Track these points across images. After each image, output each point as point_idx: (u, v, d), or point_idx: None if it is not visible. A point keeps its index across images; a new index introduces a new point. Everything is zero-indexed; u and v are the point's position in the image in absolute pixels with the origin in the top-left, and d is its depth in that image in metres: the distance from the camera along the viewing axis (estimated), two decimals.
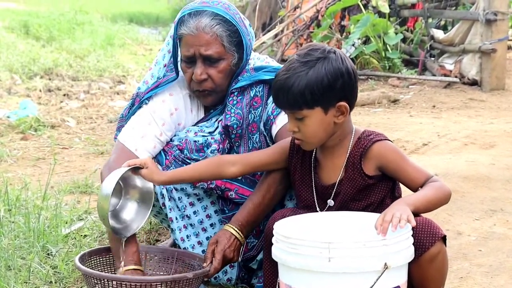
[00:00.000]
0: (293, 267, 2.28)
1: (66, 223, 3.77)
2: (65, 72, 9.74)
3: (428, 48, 8.95)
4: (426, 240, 2.39)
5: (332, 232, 2.51)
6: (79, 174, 4.92)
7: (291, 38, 10.02)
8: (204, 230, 3.06)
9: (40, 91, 8.45)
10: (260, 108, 3.00)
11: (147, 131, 2.99)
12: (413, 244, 2.35)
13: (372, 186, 2.58)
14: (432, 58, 8.93)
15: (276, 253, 2.35)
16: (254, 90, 3.00)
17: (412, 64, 9.13)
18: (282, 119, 2.94)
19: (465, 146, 5.44)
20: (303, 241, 2.28)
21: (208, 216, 3.06)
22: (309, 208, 2.66)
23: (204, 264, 2.75)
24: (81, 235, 3.58)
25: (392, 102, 7.37)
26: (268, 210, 2.86)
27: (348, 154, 2.57)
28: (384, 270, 2.24)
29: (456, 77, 8.12)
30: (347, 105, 2.51)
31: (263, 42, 10.27)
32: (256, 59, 3.09)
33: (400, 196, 2.62)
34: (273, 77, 2.94)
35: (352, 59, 9.24)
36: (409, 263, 2.36)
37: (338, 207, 2.61)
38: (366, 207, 2.59)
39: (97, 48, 12.43)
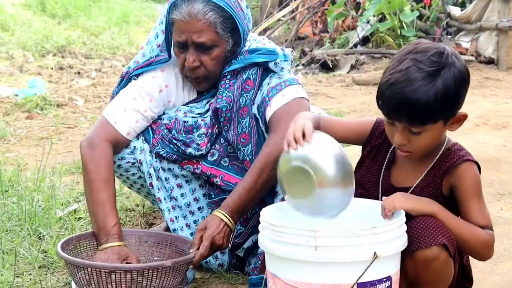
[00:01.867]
0: (278, 255, 2.17)
1: (62, 205, 3.68)
2: (78, 50, 9.65)
3: (445, 26, 8.74)
4: (423, 239, 2.21)
5: (322, 220, 2.39)
6: None
7: (305, 15, 9.85)
8: (192, 213, 2.97)
9: (52, 69, 8.36)
10: (252, 91, 2.86)
11: (131, 105, 2.89)
12: (410, 236, 2.21)
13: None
14: (449, 36, 8.73)
15: (262, 240, 2.24)
16: (247, 73, 2.86)
17: None
18: (277, 102, 2.81)
19: (477, 127, 5.29)
20: (288, 229, 2.17)
21: (196, 200, 2.96)
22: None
23: (191, 250, 2.65)
24: (76, 218, 3.50)
25: None
26: (259, 196, 2.75)
27: (433, 163, 2.33)
28: (374, 260, 2.12)
29: (472, 55, 7.94)
30: (465, 112, 2.25)
31: (279, 20, 10.11)
32: (253, 41, 2.95)
33: None
34: (267, 60, 2.83)
35: (367, 37, 9.08)
36: (404, 257, 2.23)
37: None
38: None
39: (112, 25, 12.31)
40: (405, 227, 2.22)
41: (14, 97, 6.54)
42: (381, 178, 2.43)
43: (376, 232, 2.14)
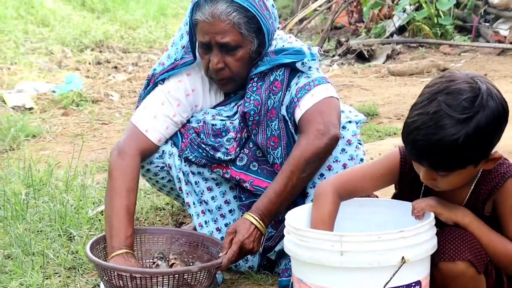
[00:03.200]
0: (304, 260, 2.11)
1: (94, 204, 3.66)
2: (116, 44, 9.66)
3: (482, 13, 8.53)
4: (448, 251, 2.11)
5: (350, 223, 2.32)
6: None
7: (341, 5, 9.71)
8: (223, 216, 2.90)
9: (90, 64, 8.38)
10: (280, 93, 2.77)
11: (160, 111, 2.83)
12: (438, 246, 2.12)
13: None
14: (487, 24, 8.53)
15: (288, 245, 2.18)
16: (274, 74, 2.77)
17: (465, 30, 8.73)
18: (306, 102, 2.71)
19: None
20: (314, 233, 2.10)
21: (227, 202, 2.90)
22: None
23: (220, 254, 2.59)
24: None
25: (442, 71, 7.03)
26: (290, 199, 2.67)
27: (472, 189, 2.18)
28: (402, 265, 2.04)
29: (510, 43, 7.73)
30: (501, 154, 2.08)
31: (315, 10, 9.99)
32: (279, 40, 2.86)
33: None
34: (294, 60, 2.74)
35: (403, 26, 8.91)
36: (431, 264, 2.14)
37: None
38: None
39: (150, 18, 12.32)
40: (434, 230, 2.14)
41: (51, 93, 6.55)
42: None
43: (404, 236, 2.06)
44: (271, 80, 2.77)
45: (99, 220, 3.40)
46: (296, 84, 2.76)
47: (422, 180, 2.13)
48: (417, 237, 2.08)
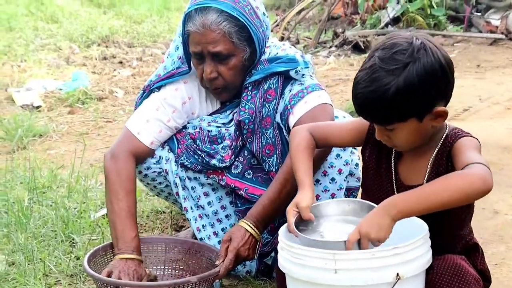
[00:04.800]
0: (297, 278, 1.99)
1: (97, 206, 3.55)
2: (121, 39, 9.52)
3: (474, 3, 8.38)
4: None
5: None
6: None
7: None
8: (219, 221, 2.81)
9: (96, 59, 8.25)
10: (274, 101, 2.66)
11: (153, 115, 2.73)
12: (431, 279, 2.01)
13: None
14: (479, 14, 8.37)
15: (281, 261, 2.06)
16: (268, 82, 2.66)
17: (458, 20, 8.58)
18: (300, 109, 2.61)
19: (508, 111, 5.01)
20: (307, 251, 1.98)
21: (223, 207, 2.80)
22: (381, 196, 2.17)
23: (217, 262, 2.50)
24: (108, 222, 3.34)
25: None
26: (285, 206, 2.52)
27: (435, 154, 2.10)
28: (397, 281, 1.93)
29: (502, 33, 7.58)
30: (445, 108, 2.01)
31: (313, 1, 9.83)
32: (273, 47, 2.74)
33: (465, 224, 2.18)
34: (288, 68, 2.63)
35: (397, 17, 8.76)
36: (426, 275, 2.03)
37: None
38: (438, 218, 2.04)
39: (154, 13, 12.17)
40: (428, 243, 2.02)
41: (58, 91, 6.43)
42: (393, 179, 2.18)
43: (398, 252, 1.94)
44: (265, 88, 2.66)
45: (102, 224, 3.30)
46: (290, 91, 2.65)
47: (377, 138, 2.10)
48: (412, 253, 1.96)
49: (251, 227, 2.53)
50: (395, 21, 8.86)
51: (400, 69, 1.93)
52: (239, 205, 2.75)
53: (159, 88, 2.76)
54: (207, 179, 2.76)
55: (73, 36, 9.55)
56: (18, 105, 6.02)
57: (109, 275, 2.43)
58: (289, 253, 2.02)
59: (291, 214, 2.08)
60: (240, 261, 2.52)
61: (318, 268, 1.94)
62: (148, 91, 2.79)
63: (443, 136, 2.10)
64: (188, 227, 3.26)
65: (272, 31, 8.31)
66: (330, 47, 8.71)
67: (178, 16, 12.52)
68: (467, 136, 2.09)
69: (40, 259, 2.95)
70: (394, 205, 1.92)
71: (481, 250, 2.23)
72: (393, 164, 2.19)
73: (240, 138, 2.70)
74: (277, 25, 9.40)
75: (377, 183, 2.23)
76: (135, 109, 2.88)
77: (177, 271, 2.74)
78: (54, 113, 5.77)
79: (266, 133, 2.67)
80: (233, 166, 2.73)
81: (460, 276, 2.03)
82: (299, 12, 9.62)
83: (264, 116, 2.67)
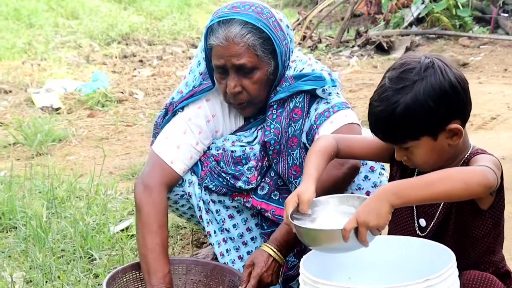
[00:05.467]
0: None
1: (116, 218, 3.49)
2: (142, 37, 9.47)
3: (501, 4, 8.21)
4: None
5: (374, 266, 2.11)
6: (138, 157, 4.64)
7: None
8: (245, 244, 2.72)
9: (116, 57, 8.20)
10: (301, 120, 2.57)
11: (182, 140, 2.63)
12: None
13: (480, 216, 2.04)
14: (506, 15, 8.20)
15: None
16: (294, 101, 2.56)
17: (484, 22, 8.42)
18: (325, 129, 2.51)
19: None
20: (331, 286, 1.89)
21: (249, 230, 2.71)
22: (401, 225, 2.19)
23: (240, 287, 2.42)
24: (128, 236, 3.28)
25: (462, 66, 6.76)
26: None
27: None
28: None
29: None
30: (459, 126, 1.98)
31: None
32: (298, 61, 2.64)
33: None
34: (315, 87, 2.55)
35: (422, 17, 8.62)
36: None
37: (434, 232, 2.12)
38: (461, 241, 2.06)
39: (174, 9, 12.11)
40: (456, 273, 1.93)
41: (78, 92, 6.37)
42: None
43: (430, 285, 1.85)
44: (291, 107, 2.57)
45: (121, 239, 3.24)
46: (315, 110, 2.56)
47: (397, 158, 2.09)
48: (442, 284, 1.87)
49: (274, 251, 2.44)
50: (419, 21, 8.72)
51: (408, 88, 1.94)
52: (265, 227, 2.66)
53: (182, 108, 2.68)
54: (232, 202, 2.67)
55: (93, 33, 9.51)
56: (38, 107, 5.99)
57: None
58: (312, 287, 1.93)
59: (290, 205, 2.00)
60: (263, 287, 2.44)
61: None
62: (171, 111, 2.70)
63: (465, 156, 2.06)
64: (209, 243, 3.19)
65: (294, 29, 8.20)
66: (353, 46, 8.59)
67: (198, 12, 12.47)
68: (487, 154, 2.05)
69: (59, 276, 2.89)
70: (393, 191, 1.87)
71: None
72: None
73: (266, 159, 2.61)
74: (299, 24, 9.30)
75: None
76: (155, 128, 2.79)
77: None
78: (74, 116, 5.72)
79: (293, 153, 2.58)
80: (259, 187, 2.63)
81: (489, 283, 1.95)
82: (321, 10, 9.51)
83: (290, 136, 2.58)
